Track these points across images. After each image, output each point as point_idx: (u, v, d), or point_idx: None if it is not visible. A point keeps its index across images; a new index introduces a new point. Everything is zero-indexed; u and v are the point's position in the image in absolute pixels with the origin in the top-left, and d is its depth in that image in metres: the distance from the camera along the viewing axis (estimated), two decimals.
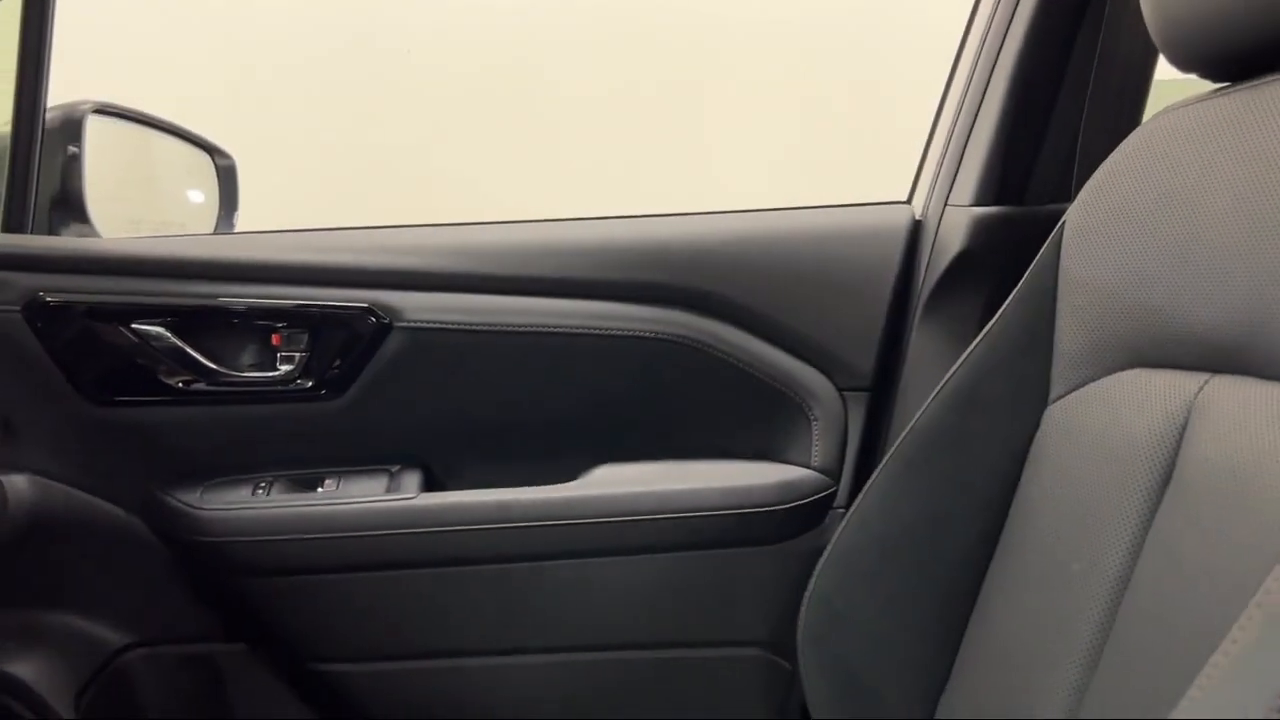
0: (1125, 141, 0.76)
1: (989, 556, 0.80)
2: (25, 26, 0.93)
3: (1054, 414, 0.77)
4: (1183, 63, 0.70)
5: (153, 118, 1.11)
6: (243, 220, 1.17)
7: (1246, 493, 0.55)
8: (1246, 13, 0.61)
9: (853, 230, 1.06)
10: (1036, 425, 0.78)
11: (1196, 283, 0.64)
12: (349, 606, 0.97)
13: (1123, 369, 0.72)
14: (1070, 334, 0.77)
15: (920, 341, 1.02)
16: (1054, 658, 0.68)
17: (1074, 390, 0.76)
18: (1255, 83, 0.64)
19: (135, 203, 1.09)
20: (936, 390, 0.81)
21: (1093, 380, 0.74)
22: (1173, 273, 0.66)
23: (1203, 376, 0.64)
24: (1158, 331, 0.68)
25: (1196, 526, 0.60)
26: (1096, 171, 0.77)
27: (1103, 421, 0.72)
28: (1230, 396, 0.61)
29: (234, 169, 1.18)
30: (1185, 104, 0.73)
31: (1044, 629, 0.71)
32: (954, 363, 0.81)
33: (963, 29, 1.10)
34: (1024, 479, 0.79)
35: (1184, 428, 0.64)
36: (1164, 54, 0.71)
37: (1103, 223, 0.74)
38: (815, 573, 0.84)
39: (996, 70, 1.02)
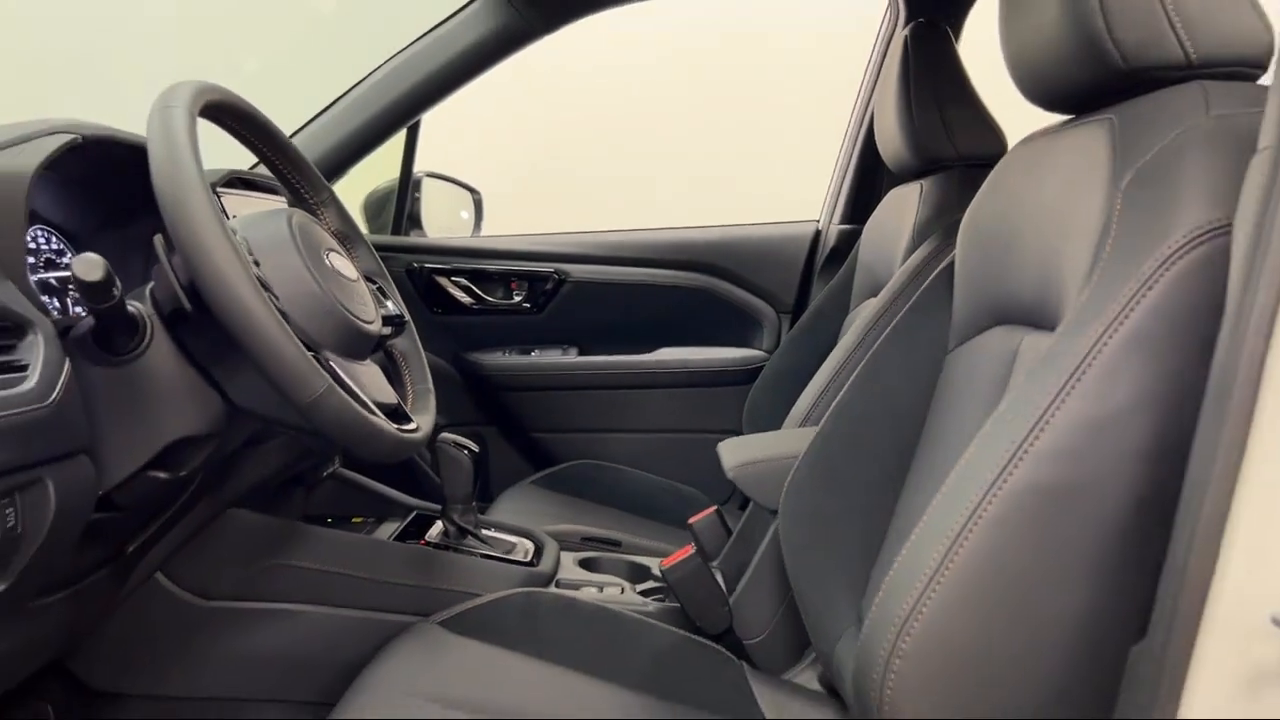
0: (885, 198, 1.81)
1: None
2: (408, 136, 2.07)
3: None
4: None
5: (446, 175, 2.25)
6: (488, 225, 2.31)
7: None
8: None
9: (787, 235, 2.14)
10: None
11: (871, 270, 1.69)
12: (546, 406, 2.11)
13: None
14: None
15: (816, 288, 2.09)
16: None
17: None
18: (921, 179, 1.66)
19: (441, 218, 2.23)
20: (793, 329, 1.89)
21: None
22: (874, 263, 1.71)
23: None
24: (870, 280, 1.74)
25: None
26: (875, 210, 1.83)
27: None
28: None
29: (481, 200, 2.31)
30: (902, 187, 1.76)
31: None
32: (830, 299, 1.85)
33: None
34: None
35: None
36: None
37: (865, 238, 1.80)
38: (752, 387, 1.93)
39: (856, 144, 2.08)
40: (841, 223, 2.07)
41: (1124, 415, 0.69)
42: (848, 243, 2.00)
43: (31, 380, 0.78)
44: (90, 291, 0.82)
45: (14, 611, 0.89)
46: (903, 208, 1.62)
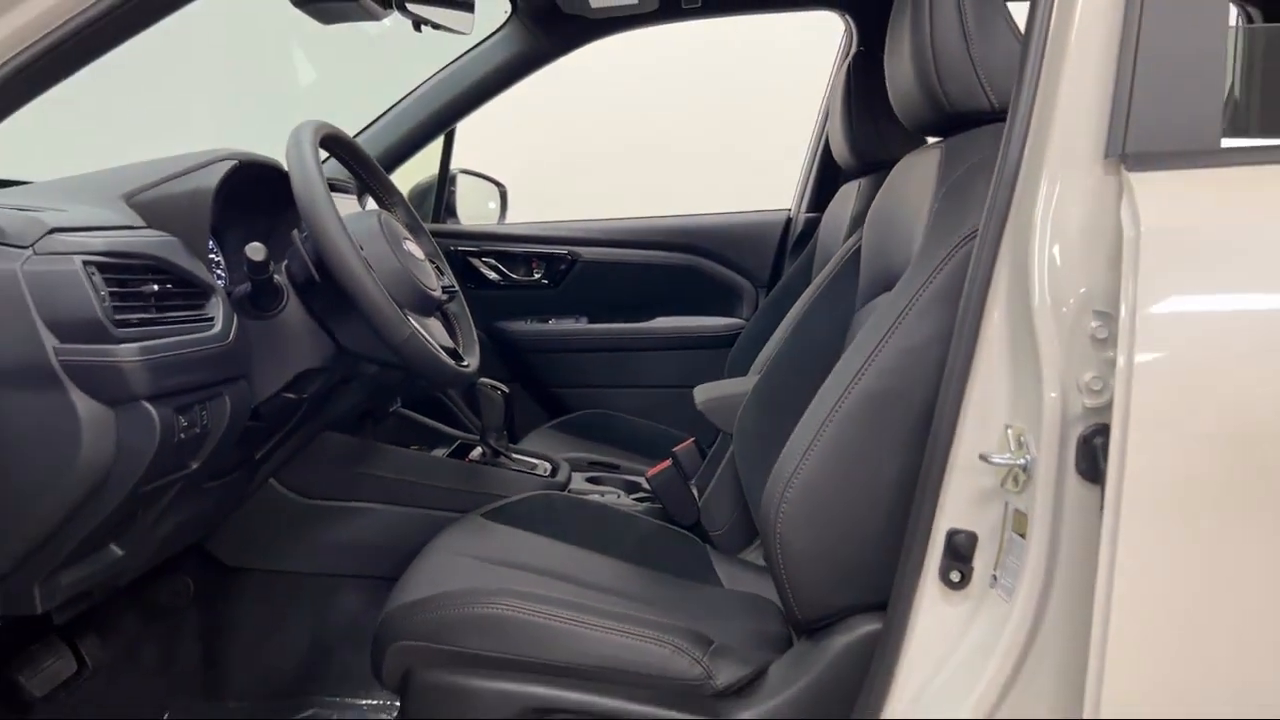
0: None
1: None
2: (445, 139, 2.48)
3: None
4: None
5: (476, 171, 2.66)
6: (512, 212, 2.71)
7: None
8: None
9: (763, 221, 2.53)
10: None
11: (826, 250, 2.09)
12: (562, 366, 2.51)
13: None
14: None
15: (787, 266, 2.48)
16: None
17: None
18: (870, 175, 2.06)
19: (473, 208, 2.64)
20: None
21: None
22: (828, 245, 2.11)
23: None
24: (825, 259, 2.14)
25: None
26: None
27: None
28: None
29: (506, 192, 2.71)
30: (849, 184, 2.15)
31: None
32: (796, 275, 2.25)
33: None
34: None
35: None
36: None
37: (823, 224, 2.20)
38: (732, 348, 2.33)
39: (820, 146, 2.46)
40: (808, 211, 2.46)
41: (926, 345, 1.09)
42: (812, 227, 2.38)
43: (216, 327, 1.20)
44: (255, 268, 1.23)
45: (195, 488, 1.31)
46: (847, 200, 2.01)
